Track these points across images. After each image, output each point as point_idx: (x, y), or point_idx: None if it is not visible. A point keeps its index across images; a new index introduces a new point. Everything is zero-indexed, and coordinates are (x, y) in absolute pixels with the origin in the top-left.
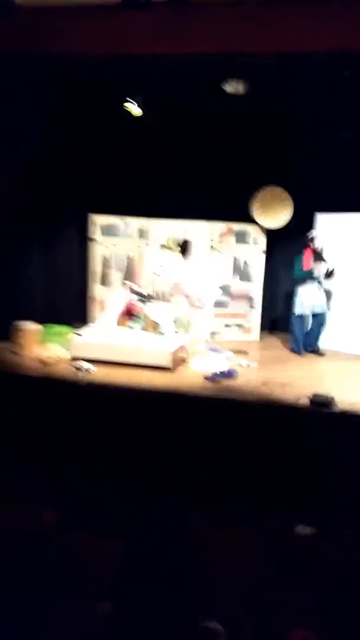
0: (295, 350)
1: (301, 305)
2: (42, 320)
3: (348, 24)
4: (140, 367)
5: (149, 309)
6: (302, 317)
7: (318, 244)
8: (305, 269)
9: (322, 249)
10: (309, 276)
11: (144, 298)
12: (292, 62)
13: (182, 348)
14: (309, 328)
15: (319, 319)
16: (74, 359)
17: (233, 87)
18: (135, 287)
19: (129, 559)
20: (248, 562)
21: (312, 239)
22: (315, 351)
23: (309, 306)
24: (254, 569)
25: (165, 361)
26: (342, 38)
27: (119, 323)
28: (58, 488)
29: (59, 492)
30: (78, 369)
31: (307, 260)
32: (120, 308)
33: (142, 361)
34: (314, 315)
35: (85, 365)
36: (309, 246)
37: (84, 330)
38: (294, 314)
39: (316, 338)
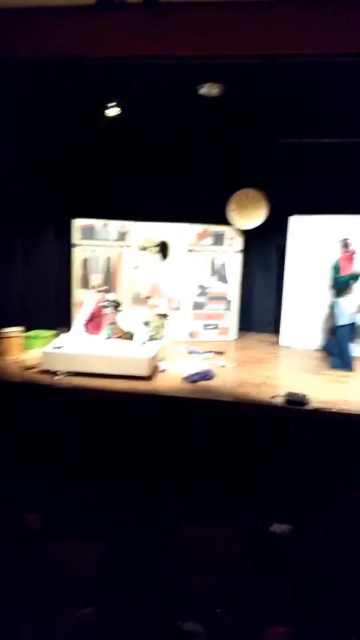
0: (342, 367)
1: (343, 316)
2: (24, 325)
3: (325, 28)
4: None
5: (119, 317)
6: (346, 328)
7: (353, 247)
8: (343, 274)
9: (354, 252)
10: (353, 280)
11: (113, 305)
12: (268, 65)
13: (158, 353)
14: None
15: (351, 330)
16: (45, 371)
17: (209, 89)
18: (101, 291)
19: (110, 561)
20: (226, 560)
21: (346, 243)
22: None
23: (350, 315)
24: (232, 567)
25: (141, 370)
26: (319, 42)
27: (88, 332)
28: (40, 492)
29: (41, 496)
30: (56, 373)
31: (344, 266)
32: (87, 316)
33: (117, 371)
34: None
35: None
36: (345, 250)
37: (62, 339)
38: (337, 326)
39: (349, 352)
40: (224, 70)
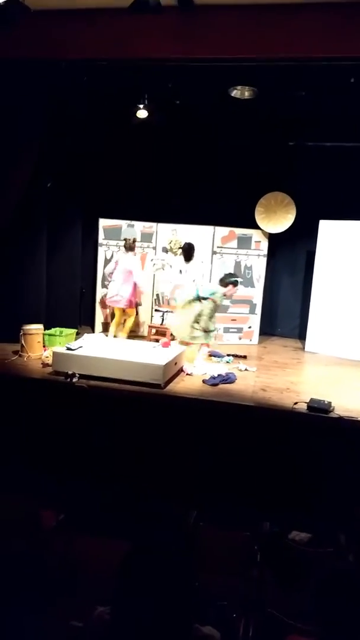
0: None
1: None
2: (49, 322)
3: (356, 31)
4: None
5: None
6: None
7: None
8: None
9: None
10: None
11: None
12: (300, 68)
13: (180, 356)
14: None
15: None
16: (57, 372)
17: (240, 92)
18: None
19: (130, 561)
20: (244, 566)
21: None
22: None
23: None
24: (251, 573)
25: (157, 378)
26: (351, 45)
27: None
28: (58, 489)
29: (59, 493)
30: (69, 374)
31: None
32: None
33: (131, 377)
34: None
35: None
36: None
37: (82, 340)
38: None
39: None
40: (255, 72)
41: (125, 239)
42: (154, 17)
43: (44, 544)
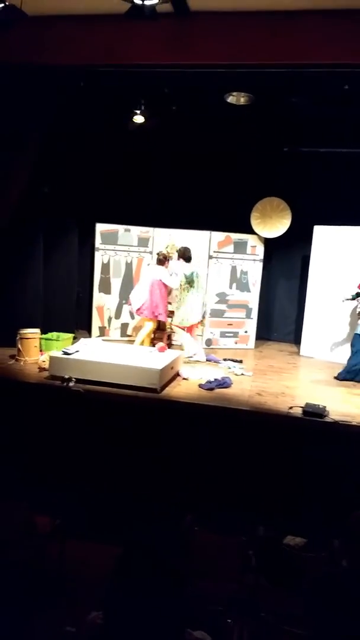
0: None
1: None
2: (46, 327)
3: (351, 37)
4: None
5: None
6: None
7: None
8: None
9: None
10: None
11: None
12: (295, 74)
13: (175, 361)
14: None
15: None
16: (53, 377)
17: (236, 98)
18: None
19: (121, 566)
20: (239, 571)
21: None
22: None
23: None
24: (246, 578)
25: (153, 382)
26: (347, 52)
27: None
28: (54, 495)
29: (54, 499)
30: (65, 379)
31: None
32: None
33: (127, 381)
34: None
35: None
36: None
37: (79, 344)
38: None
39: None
40: (251, 78)
41: (158, 252)
42: (149, 23)
43: (39, 550)
